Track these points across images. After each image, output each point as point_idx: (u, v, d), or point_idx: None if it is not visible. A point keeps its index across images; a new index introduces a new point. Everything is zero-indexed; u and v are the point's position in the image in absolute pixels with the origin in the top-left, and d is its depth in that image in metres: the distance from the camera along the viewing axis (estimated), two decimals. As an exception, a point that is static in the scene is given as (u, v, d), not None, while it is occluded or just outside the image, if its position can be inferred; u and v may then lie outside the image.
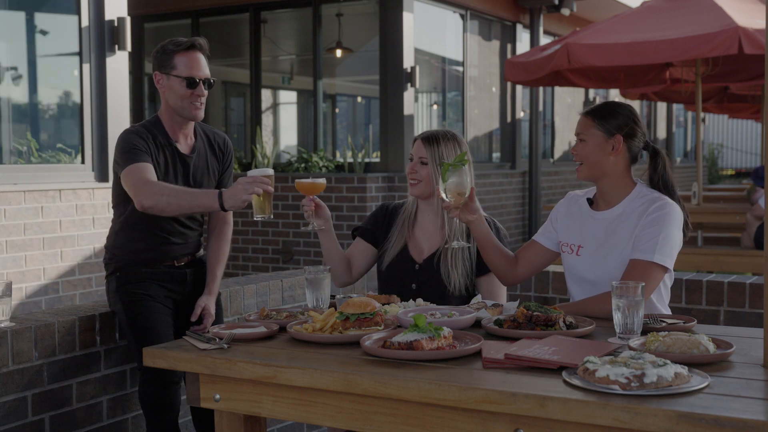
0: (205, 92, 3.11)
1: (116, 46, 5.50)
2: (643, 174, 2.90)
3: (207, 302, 3.16)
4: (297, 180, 2.90)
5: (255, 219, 2.84)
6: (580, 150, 2.79)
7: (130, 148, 2.99)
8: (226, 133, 10.94)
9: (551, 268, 3.88)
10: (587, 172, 2.81)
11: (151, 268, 3.10)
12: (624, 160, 2.80)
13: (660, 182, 2.83)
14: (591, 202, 2.88)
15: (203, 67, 3.13)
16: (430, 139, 3.08)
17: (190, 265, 3.21)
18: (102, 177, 5.47)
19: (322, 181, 2.90)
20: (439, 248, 3.07)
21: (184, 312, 3.18)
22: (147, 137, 3.05)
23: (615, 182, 2.81)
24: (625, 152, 2.79)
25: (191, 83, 3.06)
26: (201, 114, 3.11)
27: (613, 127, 2.77)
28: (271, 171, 2.81)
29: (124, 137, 3.04)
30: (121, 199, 3.11)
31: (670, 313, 2.91)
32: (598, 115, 2.79)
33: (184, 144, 3.15)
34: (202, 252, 3.29)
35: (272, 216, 2.83)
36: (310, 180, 2.90)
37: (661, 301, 2.83)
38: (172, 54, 3.08)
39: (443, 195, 2.69)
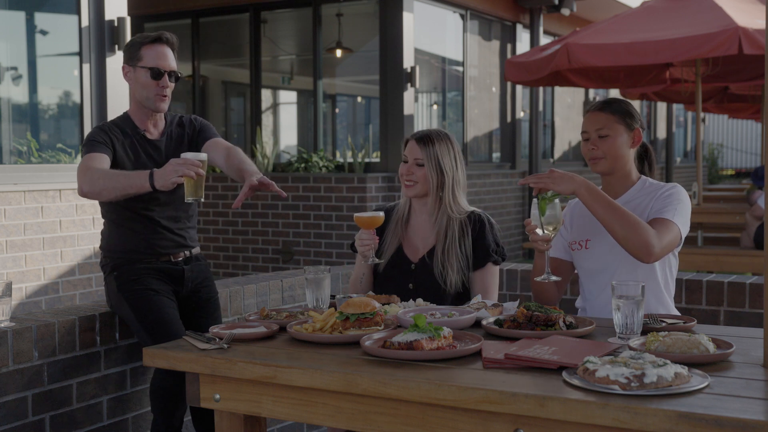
0: (171, 84, 3.16)
1: (116, 46, 5.50)
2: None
3: (257, 178, 2.95)
4: (356, 215, 2.88)
5: (186, 201, 2.86)
6: (602, 145, 2.84)
7: (87, 141, 3.08)
8: (225, 132, 10.90)
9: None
10: (608, 165, 2.86)
11: (147, 264, 3.10)
12: (634, 154, 2.92)
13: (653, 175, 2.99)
14: None
15: (170, 59, 3.16)
16: (425, 139, 3.08)
17: (188, 262, 3.22)
18: (102, 177, 5.47)
19: (381, 214, 2.90)
20: (434, 247, 3.06)
21: (185, 308, 3.19)
22: (112, 129, 3.13)
23: (625, 174, 2.89)
24: (638, 146, 2.91)
25: (156, 74, 3.11)
26: (165, 106, 3.16)
27: (633, 120, 2.88)
28: (204, 156, 2.86)
29: (89, 132, 3.14)
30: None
31: (673, 303, 2.93)
32: (618, 111, 2.87)
33: (155, 131, 3.22)
34: (198, 250, 3.30)
35: (202, 199, 2.85)
36: (369, 214, 2.88)
37: (668, 289, 2.87)
38: (139, 46, 3.14)
39: (539, 230, 2.63)
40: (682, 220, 2.73)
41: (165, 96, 3.14)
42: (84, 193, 2.96)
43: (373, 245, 2.91)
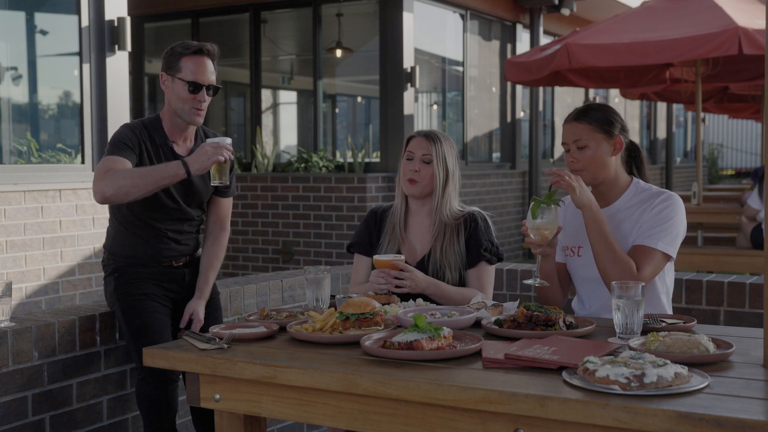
0: (208, 98, 3.08)
1: (116, 46, 5.50)
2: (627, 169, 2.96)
3: (196, 306, 3.12)
4: (376, 257, 2.91)
5: (212, 185, 2.95)
6: (581, 156, 2.77)
7: (115, 141, 3.00)
8: (225, 133, 10.88)
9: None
10: (591, 177, 2.79)
11: (149, 268, 3.10)
12: (619, 159, 2.85)
13: (645, 175, 2.93)
14: None
15: (209, 72, 3.08)
16: (432, 136, 3.06)
17: (188, 265, 3.21)
18: (102, 177, 5.46)
19: (402, 257, 2.91)
20: (432, 248, 3.06)
21: (182, 311, 3.18)
22: (142, 132, 3.06)
23: (614, 181, 2.83)
24: (621, 151, 2.83)
25: (194, 88, 3.03)
26: (200, 120, 3.09)
27: (611, 128, 2.80)
28: (229, 140, 2.92)
29: (118, 131, 3.06)
30: None
31: (671, 310, 2.91)
32: (596, 119, 2.79)
33: (183, 146, 3.15)
34: (200, 252, 3.29)
35: (228, 182, 2.97)
36: (389, 257, 2.89)
37: (666, 294, 2.84)
38: (179, 56, 3.06)
39: (530, 234, 2.62)
40: (667, 242, 2.69)
41: (201, 110, 3.06)
42: (107, 197, 2.82)
43: (387, 289, 2.89)
